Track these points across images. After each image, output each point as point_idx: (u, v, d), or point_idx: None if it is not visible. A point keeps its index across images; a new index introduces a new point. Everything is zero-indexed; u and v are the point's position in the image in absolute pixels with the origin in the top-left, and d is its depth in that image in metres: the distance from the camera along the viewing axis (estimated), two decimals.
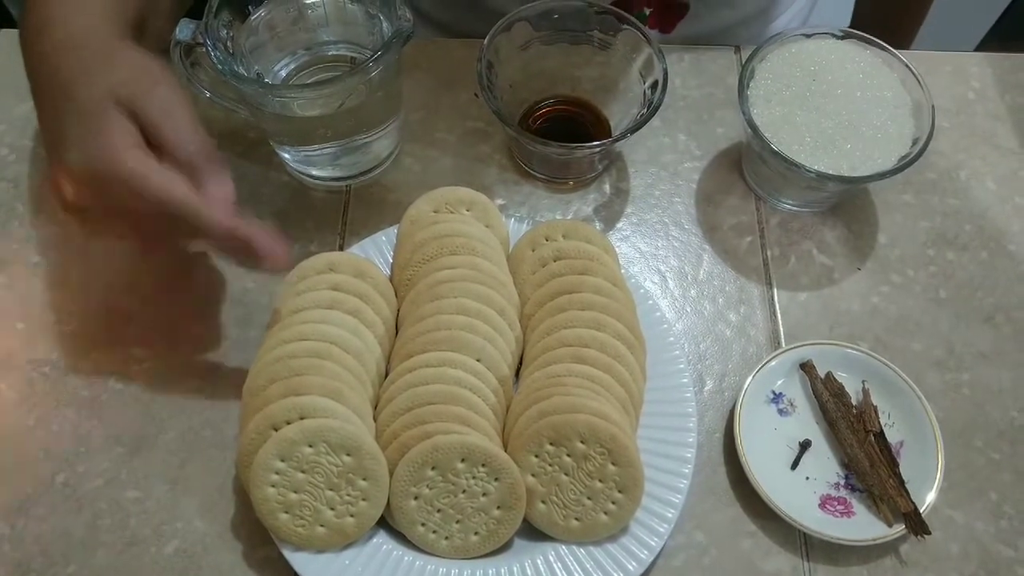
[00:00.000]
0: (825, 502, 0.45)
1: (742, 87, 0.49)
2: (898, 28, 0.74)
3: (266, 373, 0.42)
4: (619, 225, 0.54)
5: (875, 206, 0.55)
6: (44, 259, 0.52)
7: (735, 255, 0.53)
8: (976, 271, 0.53)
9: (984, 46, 1.67)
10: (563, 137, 0.55)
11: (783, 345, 0.50)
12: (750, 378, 0.47)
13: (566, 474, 0.41)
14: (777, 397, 0.48)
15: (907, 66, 0.50)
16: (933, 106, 0.49)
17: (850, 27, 0.73)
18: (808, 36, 0.51)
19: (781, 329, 0.51)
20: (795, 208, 0.54)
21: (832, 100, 0.49)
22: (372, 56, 0.44)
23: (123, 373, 0.48)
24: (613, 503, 0.41)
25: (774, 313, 0.51)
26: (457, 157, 0.56)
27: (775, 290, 0.52)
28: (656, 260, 0.53)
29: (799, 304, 0.52)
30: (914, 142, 0.48)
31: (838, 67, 0.50)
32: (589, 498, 0.41)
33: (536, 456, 0.41)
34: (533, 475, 0.42)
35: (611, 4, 0.62)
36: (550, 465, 0.41)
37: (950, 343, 0.51)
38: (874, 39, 0.51)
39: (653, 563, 0.43)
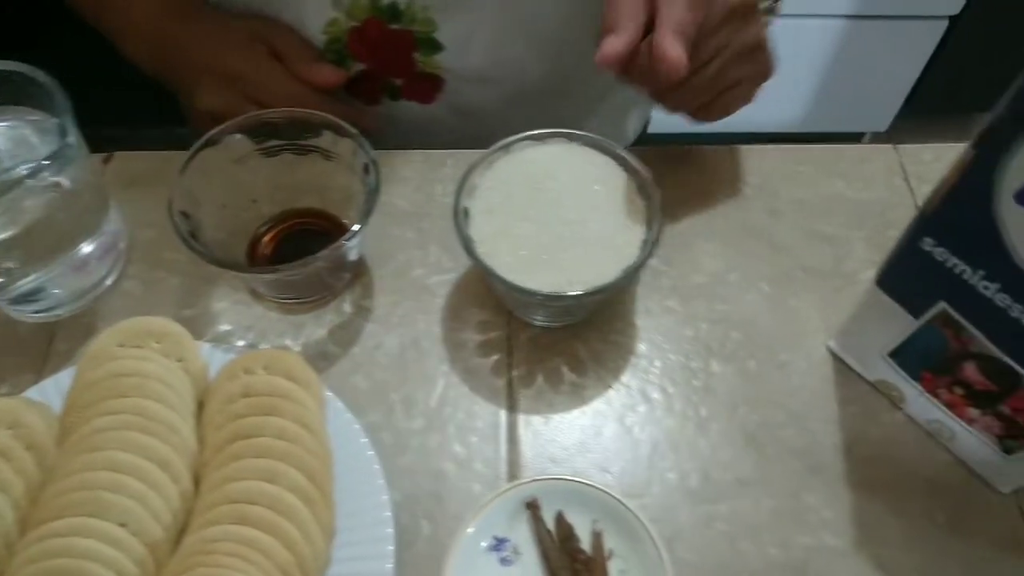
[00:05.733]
0: None
1: (458, 198, 0.45)
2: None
3: None
4: (355, 350, 0.49)
5: (636, 314, 0.51)
6: None
7: (477, 376, 0.48)
8: (740, 384, 0.48)
9: (899, 121, 1.70)
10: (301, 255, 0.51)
11: (519, 480, 0.45)
12: (465, 523, 0.42)
13: None
14: (500, 544, 0.42)
15: (640, 169, 0.46)
16: (660, 210, 0.45)
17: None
18: (538, 140, 0.48)
19: (521, 460, 0.46)
20: (546, 322, 0.49)
21: (555, 209, 0.46)
22: (10, 179, 0.40)
23: None
24: None
25: (513, 442, 0.46)
26: (184, 278, 0.52)
27: (517, 415, 0.47)
28: (388, 388, 0.48)
29: (542, 430, 0.47)
30: (643, 250, 0.44)
31: (566, 173, 0.47)
32: None
33: None
34: None
35: (359, 74, 0.60)
36: None
37: (707, 470, 0.45)
38: (608, 142, 0.47)
39: None
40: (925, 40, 1.52)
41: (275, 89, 0.55)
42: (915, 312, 0.42)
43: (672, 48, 0.42)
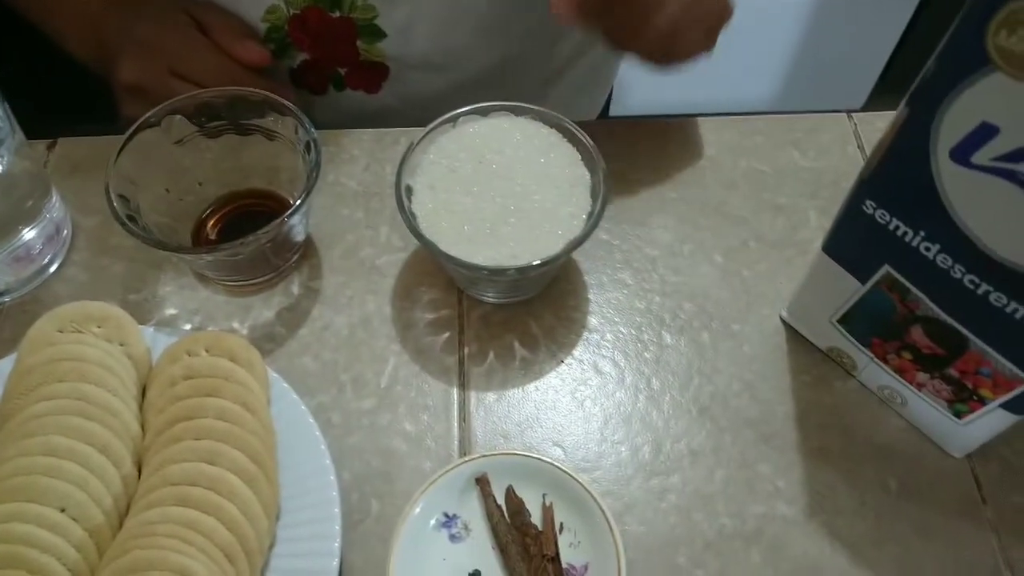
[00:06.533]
0: None
1: (400, 174, 0.45)
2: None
3: None
4: (303, 331, 0.49)
5: (588, 289, 0.50)
6: None
7: (428, 355, 0.48)
8: (694, 355, 0.48)
9: (875, 98, 1.69)
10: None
11: (469, 456, 0.44)
12: (412, 500, 0.41)
13: None
14: (450, 520, 0.42)
15: (586, 141, 0.46)
16: (604, 180, 0.44)
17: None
18: (482, 114, 0.47)
19: (473, 437, 0.45)
20: (497, 299, 0.49)
21: (499, 183, 0.45)
22: None
23: None
24: None
25: (465, 419, 0.46)
26: (130, 263, 0.51)
27: (468, 392, 0.47)
28: (337, 368, 0.47)
29: (492, 406, 0.46)
30: (588, 222, 0.44)
31: (511, 146, 0.46)
32: None
33: None
34: None
35: (303, 63, 0.59)
36: None
37: (660, 442, 0.45)
38: (554, 114, 0.47)
39: None
40: (898, 13, 1.52)
41: (199, 62, 0.53)
42: (861, 277, 0.41)
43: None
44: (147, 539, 0.36)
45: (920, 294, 0.39)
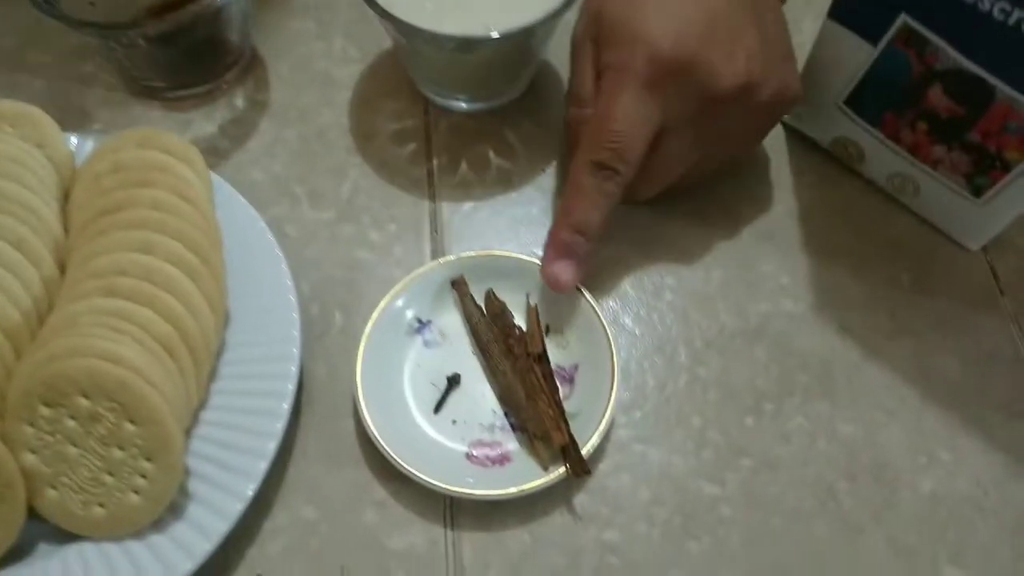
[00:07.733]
0: (474, 449, 0.35)
1: None
2: None
3: None
4: (250, 144, 0.43)
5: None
6: None
7: (393, 167, 0.43)
8: None
9: None
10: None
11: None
12: (379, 306, 0.37)
13: (74, 444, 0.30)
14: (423, 326, 0.38)
15: None
16: None
17: None
18: None
19: (447, 250, 0.40)
20: (470, 105, 0.44)
21: None
22: None
23: None
24: (142, 476, 0.30)
25: (436, 230, 0.41)
26: (52, 79, 0.45)
27: (440, 204, 0.42)
28: (290, 181, 0.42)
29: (466, 216, 0.41)
30: None
31: None
32: (110, 473, 0.30)
33: (31, 425, 0.30)
34: (32, 451, 0.30)
35: None
36: (50, 435, 0.30)
37: (648, 244, 0.41)
38: None
39: (232, 552, 0.32)
40: None
41: None
42: (874, 37, 0.37)
43: (552, 271, 0.36)
44: (70, 330, 0.31)
45: (940, 41, 0.35)
